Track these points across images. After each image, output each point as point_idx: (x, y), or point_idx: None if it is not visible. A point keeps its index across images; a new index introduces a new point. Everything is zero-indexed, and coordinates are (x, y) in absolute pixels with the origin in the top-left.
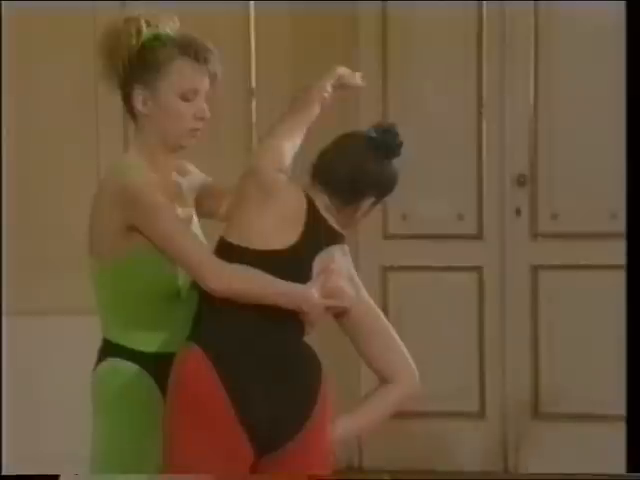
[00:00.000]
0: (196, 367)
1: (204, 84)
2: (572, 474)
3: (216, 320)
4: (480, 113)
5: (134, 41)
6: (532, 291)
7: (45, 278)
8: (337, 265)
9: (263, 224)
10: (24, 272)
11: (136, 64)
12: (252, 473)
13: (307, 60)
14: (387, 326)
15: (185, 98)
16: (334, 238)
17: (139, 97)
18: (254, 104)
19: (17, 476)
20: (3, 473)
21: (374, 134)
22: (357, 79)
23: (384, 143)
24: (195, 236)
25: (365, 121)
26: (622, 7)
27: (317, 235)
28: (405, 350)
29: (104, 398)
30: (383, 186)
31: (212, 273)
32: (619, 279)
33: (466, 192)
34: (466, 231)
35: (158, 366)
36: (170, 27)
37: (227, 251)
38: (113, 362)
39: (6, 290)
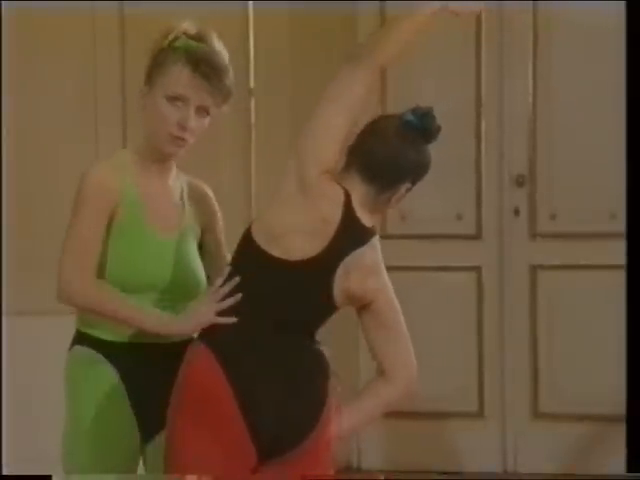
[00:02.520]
0: (204, 366)
1: (199, 97)
2: (571, 474)
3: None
4: (479, 113)
5: (163, 43)
6: (531, 291)
7: (45, 278)
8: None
9: (294, 227)
10: (24, 272)
11: (150, 62)
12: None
13: (306, 60)
14: (400, 323)
15: (172, 102)
16: (365, 237)
17: (141, 91)
18: (253, 104)
19: (17, 476)
20: (3, 473)
21: (412, 117)
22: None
23: (423, 127)
24: (84, 243)
25: (363, 120)
26: (622, 7)
27: (346, 240)
28: (411, 349)
29: (66, 382)
30: (420, 170)
31: (64, 281)
32: (618, 279)
33: (465, 192)
34: (465, 231)
35: (119, 354)
36: (206, 42)
37: (248, 245)
38: (75, 349)
39: (6, 290)
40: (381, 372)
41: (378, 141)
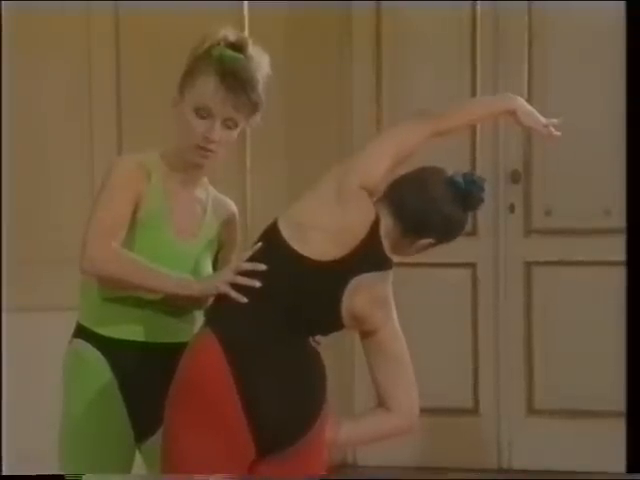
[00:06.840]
0: (208, 356)
1: (225, 110)
2: (567, 471)
3: (236, 308)
4: None
5: (199, 50)
6: (526, 287)
7: (45, 274)
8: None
9: (320, 226)
10: (24, 268)
11: (185, 69)
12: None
13: (301, 59)
14: (404, 356)
15: (199, 113)
16: (382, 264)
17: (173, 99)
18: None
19: (17, 476)
20: (3, 473)
21: (460, 180)
22: (532, 121)
23: (467, 193)
24: (111, 215)
25: (359, 119)
26: (620, 7)
27: (365, 257)
28: (414, 383)
29: (63, 375)
30: (448, 232)
31: (88, 247)
32: (613, 275)
33: None
34: None
35: (116, 351)
36: (244, 51)
37: (271, 236)
38: (73, 342)
39: (6, 286)
40: (382, 403)
41: (416, 189)
